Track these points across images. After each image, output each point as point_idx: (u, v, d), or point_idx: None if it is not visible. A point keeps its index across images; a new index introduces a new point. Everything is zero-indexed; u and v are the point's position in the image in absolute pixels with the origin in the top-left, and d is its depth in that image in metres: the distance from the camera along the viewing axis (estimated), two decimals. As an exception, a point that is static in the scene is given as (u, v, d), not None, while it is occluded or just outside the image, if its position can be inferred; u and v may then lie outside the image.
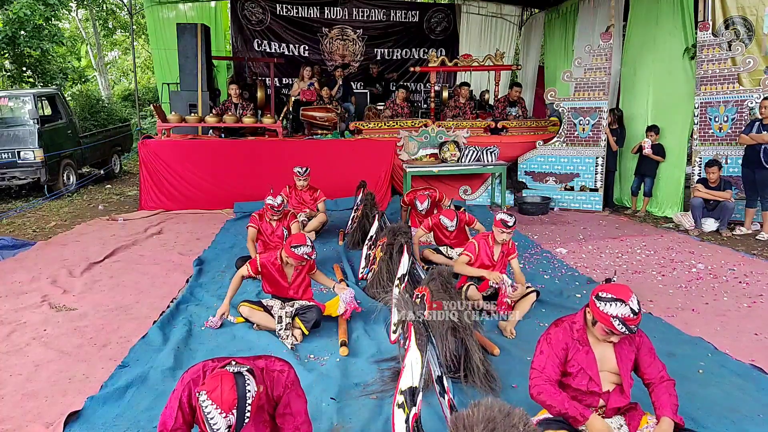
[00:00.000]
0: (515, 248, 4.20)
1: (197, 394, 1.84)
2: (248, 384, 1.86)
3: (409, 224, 5.88)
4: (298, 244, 3.58)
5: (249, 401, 1.84)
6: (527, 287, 4.06)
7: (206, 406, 1.79)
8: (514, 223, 3.97)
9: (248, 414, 1.83)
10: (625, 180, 8.13)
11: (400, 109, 8.75)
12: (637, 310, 2.15)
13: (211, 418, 1.78)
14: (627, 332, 2.17)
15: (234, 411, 1.79)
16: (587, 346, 2.32)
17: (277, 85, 11.92)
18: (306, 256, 3.60)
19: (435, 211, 5.79)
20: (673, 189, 7.38)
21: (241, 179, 7.80)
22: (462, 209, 5.62)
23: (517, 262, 4.22)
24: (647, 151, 7.24)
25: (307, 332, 3.64)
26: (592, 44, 8.11)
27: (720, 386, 3.02)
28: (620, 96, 8.28)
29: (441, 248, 5.23)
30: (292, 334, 3.60)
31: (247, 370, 1.91)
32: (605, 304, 2.18)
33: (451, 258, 5.08)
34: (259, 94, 9.97)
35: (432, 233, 5.27)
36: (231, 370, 1.88)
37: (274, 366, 2.10)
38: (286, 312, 3.69)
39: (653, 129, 7.31)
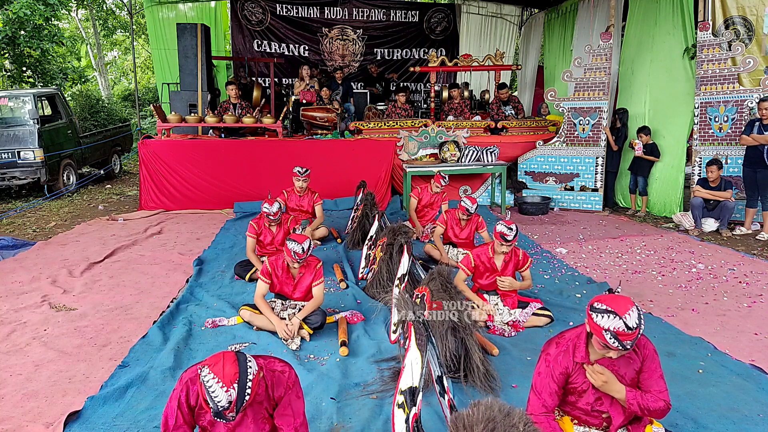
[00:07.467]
0: (527, 260, 3.93)
1: (199, 369, 1.84)
2: (249, 361, 1.88)
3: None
4: (293, 240, 3.53)
5: (250, 377, 1.84)
6: (542, 308, 3.88)
7: (208, 381, 1.79)
8: (515, 236, 3.68)
9: (248, 392, 1.83)
10: (624, 179, 8.12)
11: (403, 112, 8.75)
12: (633, 326, 1.95)
13: (213, 392, 1.78)
14: (620, 348, 1.98)
15: (235, 385, 1.80)
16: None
17: (277, 83, 11.92)
18: (293, 254, 3.52)
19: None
20: (673, 189, 7.37)
21: (241, 179, 7.80)
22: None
23: (528, 273, 3.95)
24: (639, 152, 7.26)
25: (311, 332, 3.65)
26: (592, 44, 8.11)
27: (720, 386, 3.02)
28: (617, 95, 8.28)
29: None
30: (298, 334, 3.60)
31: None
32: (598, 316, 2.01)
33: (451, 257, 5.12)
34: (255, 93, 9.96)
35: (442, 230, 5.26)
36: (232, 349, 1.90)
37: (275, 366, 2.10)
38: (288, 314, 3.70)
39: (644, 130, 7.32)
